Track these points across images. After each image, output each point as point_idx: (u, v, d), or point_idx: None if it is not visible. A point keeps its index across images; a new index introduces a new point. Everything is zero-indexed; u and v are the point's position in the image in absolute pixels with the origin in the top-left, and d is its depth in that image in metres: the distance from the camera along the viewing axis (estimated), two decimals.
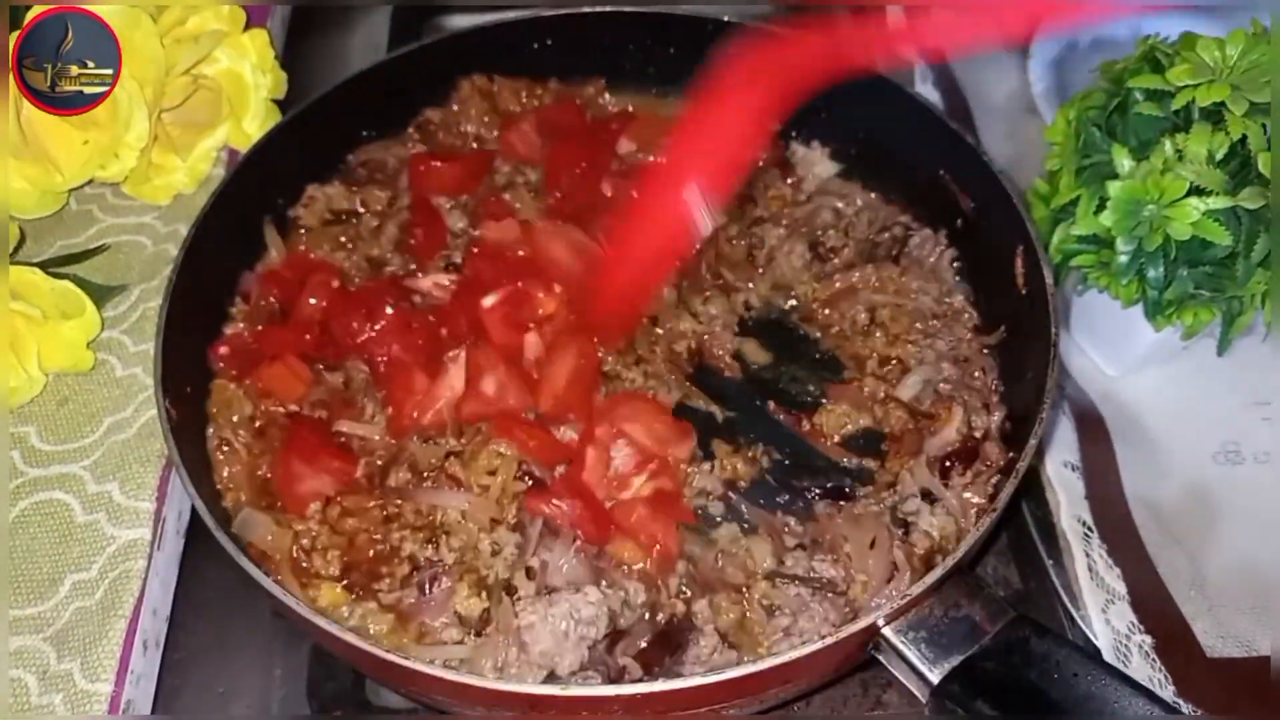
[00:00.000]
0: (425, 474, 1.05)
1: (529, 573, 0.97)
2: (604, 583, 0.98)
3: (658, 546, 1.00)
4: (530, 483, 1.04)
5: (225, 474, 1.05)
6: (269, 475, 1.05)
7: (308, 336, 1.14)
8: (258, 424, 1.08)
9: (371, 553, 1.00)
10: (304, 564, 0.99)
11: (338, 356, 1.14)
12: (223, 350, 1.12)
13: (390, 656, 0.83)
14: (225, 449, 1.06)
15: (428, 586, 0.97)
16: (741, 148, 0.93)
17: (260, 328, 1.16)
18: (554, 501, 1.01)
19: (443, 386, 1.09)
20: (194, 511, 0.97)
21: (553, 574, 0.97)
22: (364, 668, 0.98)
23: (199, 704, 1.04)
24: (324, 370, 1.13)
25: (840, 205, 1.29)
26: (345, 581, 0.98)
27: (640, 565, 1.00)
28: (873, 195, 1.31)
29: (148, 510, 1.04)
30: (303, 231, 1.26)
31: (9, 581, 0.98)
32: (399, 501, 1.02)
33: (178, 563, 1.09)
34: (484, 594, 0.96)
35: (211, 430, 1.08)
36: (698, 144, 0.94)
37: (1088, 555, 1.07)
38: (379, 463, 1.06)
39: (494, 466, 1.04)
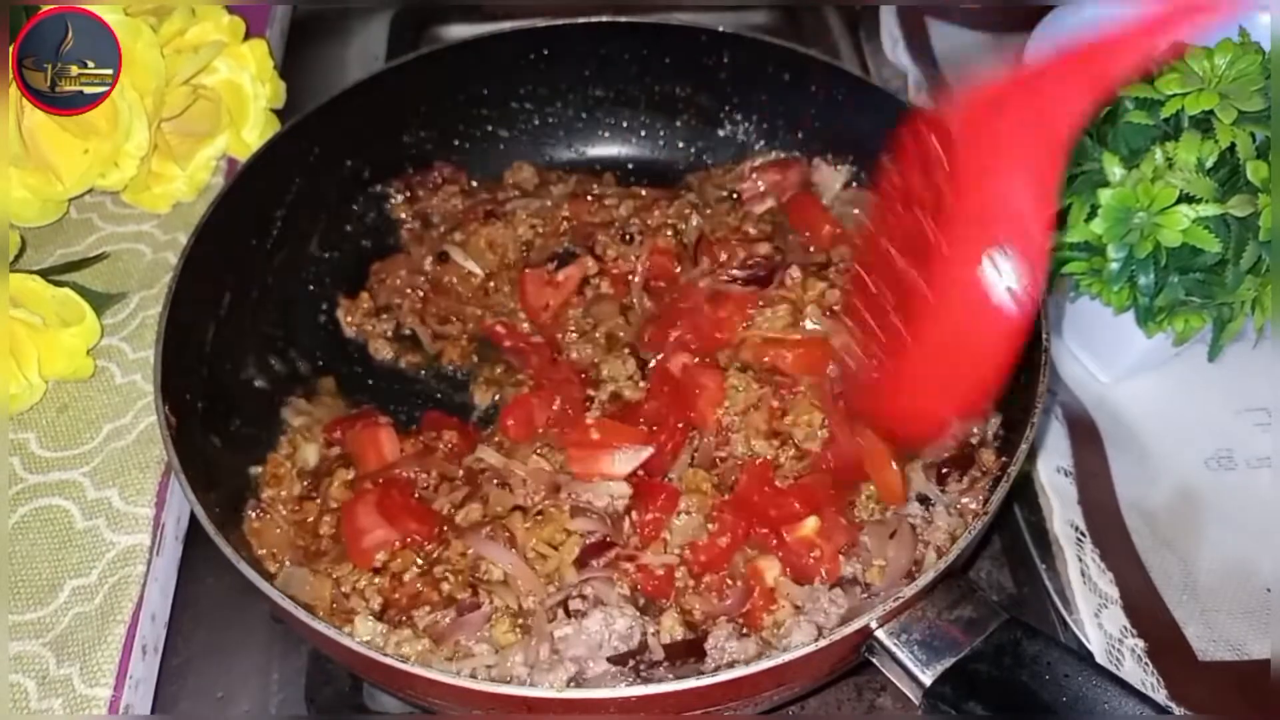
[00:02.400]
0: (490, 520, 1.03)
1: (570, 612, 0.95)
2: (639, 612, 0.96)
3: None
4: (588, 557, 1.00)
5: (263, 536, 1.04)
6: (314, 533, 1.05)
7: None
8: (309, 493, 1.08)
9: (415, 589, 0.99)
10: (344, 606, 0.98)
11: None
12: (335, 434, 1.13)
13: (386, 660, 0.83)
14: (264, 516, 1.05)
15: (465, 611, 0.96)
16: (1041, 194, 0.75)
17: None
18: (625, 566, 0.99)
19: None
20: (193, 517, 0.97)
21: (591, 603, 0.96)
22: (360, 671, 0.98)
23: (197, 708, 1.04)
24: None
25: (858, 212, 1.29)
26: (383, 616, 0.97)
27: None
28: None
29: (147, 516, 1.05)
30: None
31: (9, 587, 0.99)
32: (453, 537, 1.01)
33: (176, 568, 1.10)
34: (519, 629, 0.95)
35: (254, 499, 1.07)
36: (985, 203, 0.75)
37: (1080, 560, 1.08)
38: (456, 500, 1.05)
39: (558, 541, 1.01)
